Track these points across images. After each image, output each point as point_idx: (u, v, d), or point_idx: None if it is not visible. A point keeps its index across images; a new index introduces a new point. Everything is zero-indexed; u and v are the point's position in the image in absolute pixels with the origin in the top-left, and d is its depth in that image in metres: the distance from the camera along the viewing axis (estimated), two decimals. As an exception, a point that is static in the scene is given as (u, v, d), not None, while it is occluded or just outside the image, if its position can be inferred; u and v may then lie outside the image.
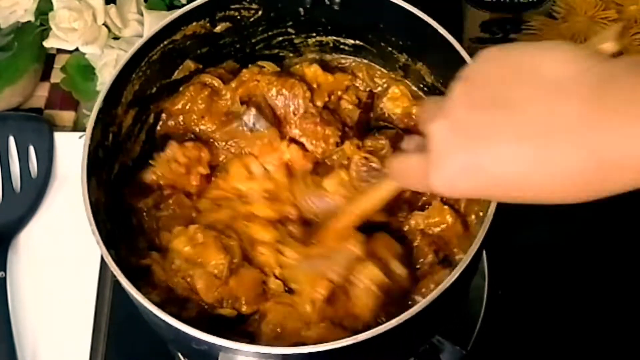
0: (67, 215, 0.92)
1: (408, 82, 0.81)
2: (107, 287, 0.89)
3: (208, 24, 0.78)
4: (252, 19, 0.79)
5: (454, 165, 0.50)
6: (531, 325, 0.86)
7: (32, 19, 0.97)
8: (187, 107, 0.80)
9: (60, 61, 1.02)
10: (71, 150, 0.95)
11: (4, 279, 0.88)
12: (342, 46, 0.83)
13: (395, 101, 0.80)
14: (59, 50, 1.01)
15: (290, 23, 0.81)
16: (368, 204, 0.68)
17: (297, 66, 0.82)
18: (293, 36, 0.82)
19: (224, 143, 0.79)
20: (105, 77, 0.94)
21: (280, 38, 0.82)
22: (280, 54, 0.84)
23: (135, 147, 0.79)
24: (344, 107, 0.81)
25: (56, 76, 1.01)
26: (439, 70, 0.77)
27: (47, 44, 0.96)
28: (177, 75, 0.80)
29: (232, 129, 0.79)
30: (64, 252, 0.91)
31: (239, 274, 0.71)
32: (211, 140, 0.79)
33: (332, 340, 0.65)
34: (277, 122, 0.79)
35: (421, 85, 0.80)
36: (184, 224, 0.74)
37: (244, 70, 0.81)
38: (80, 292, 0.88)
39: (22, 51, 0.99)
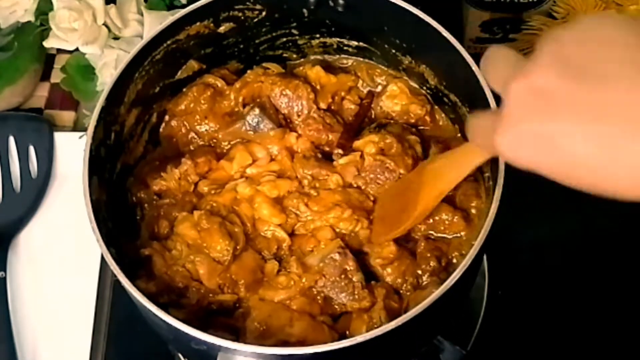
0: (67, 215, 0.92)
1: (407, 78, 0.81)
2: (107, 287, 0.89)
3: (212, 24, 0.78)
4: (256, 20, 0.79)
5: (525, 130, 0.47)
6: (531, 325, 0.86)
7: (32, 19, 0.97)
8: (191, 107, 0.80)
9: (60, 61, 1.02)
10: (71, 150, 0.95)
11: (4, 279, 0.88)
12: (345, 47, 0.83)
13: (393, 99, 0.80)
14: (59, 50, 1.01)
15: (294, 24, 0.81)
16: (454, 175, 0.67)
17: (301, 68, 0.83)
18: (297, 37, 0.82)
19: (226, 143, 0.80)
20: (105, 77, 0.94)
21: (284, 39, 0.83)
22: (284, 55, 0.84)
23: (138, 147, 0.79)
24: (346, 107, 0.81)
25: (56, 76, 1.01)
26: (442, 72, 0.77)
27: (47, 44, 0.96)
28: (180, 75, 0.80)
29: (235, 130, 0.79)
30: (64, 252, 0.91)
31: (240, 259, 0.73)
32: (214, 140, 0.80)
33: (315, 337, 0.67)
34: (281, 123, 0.79)
35: (424, 88, 0.80)
36: (183, 211, 0.75)
37: (249, 72, 0.81)
38: (80, 292, 0.88)
39: (22, 51, 0.99)
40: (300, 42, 0.83)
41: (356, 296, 0.71)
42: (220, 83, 0.81)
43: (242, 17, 0.79)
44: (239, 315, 0.71)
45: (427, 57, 0.77)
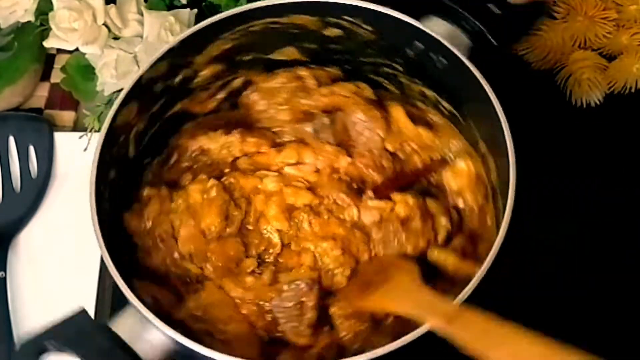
0: (67, 215, 0.92)
1: (481, 163, 0.76)
2: (107, 287, 0.89)
3: (319, 23, 0.77)
4: (363, 40, 0.78)
5: None
6: (531, 325, 0.85)
7: (32, 19, 0.97)
8: (275, 90, 0.80)
9: (60, 61, 1.02)
10: (71, 150, 0.95)
11: (4, 279, 0.88)
12: (440, 106, 0.79)
13: (456, 176, 0.76)
14: (59, 50, 1.01)
15: (400, 60, 0.79)
16: (402, 310, 0.68)
17: (388, 102, 0.81)
18: (399, 74, 0.80)
19: (288, 137, 0.80)
20: (105, 77, 0.94)
21: (388, 70, 0.81)
22: (385, 84, 0.82)
23: (210, 101, 0.80)
24: (412, 160, 0.79)
25: (56, 76, 1.01)
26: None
27: (47, 44, 0.96)
28: (275, 55, 0.80)
29: (300, 128, 0.79)
30: (64, 252, 0.91)
31: (224, 242, 0.73)
32: (280, 130, 0.80)
33: (241, 347, 0.68)
34: (342, 143, 0.79)
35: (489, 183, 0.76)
36: (209, 175, 0.76)
37: (340, 83, 0.80)
38: (80, 292, 0.88)
39: (22, 51, 0.99)
40: (402, 79, 0.81)
41: (300, 331, 0.70)
42: (311, 81, 0.80)
43: (351, 30, 0.77)
44: (191, 288, 0.71)
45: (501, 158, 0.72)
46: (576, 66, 0.95)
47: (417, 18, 0.75)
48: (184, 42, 0.72)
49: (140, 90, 0.72)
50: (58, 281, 0.89)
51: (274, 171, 0.78)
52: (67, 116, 1.00)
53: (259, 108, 0.81)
